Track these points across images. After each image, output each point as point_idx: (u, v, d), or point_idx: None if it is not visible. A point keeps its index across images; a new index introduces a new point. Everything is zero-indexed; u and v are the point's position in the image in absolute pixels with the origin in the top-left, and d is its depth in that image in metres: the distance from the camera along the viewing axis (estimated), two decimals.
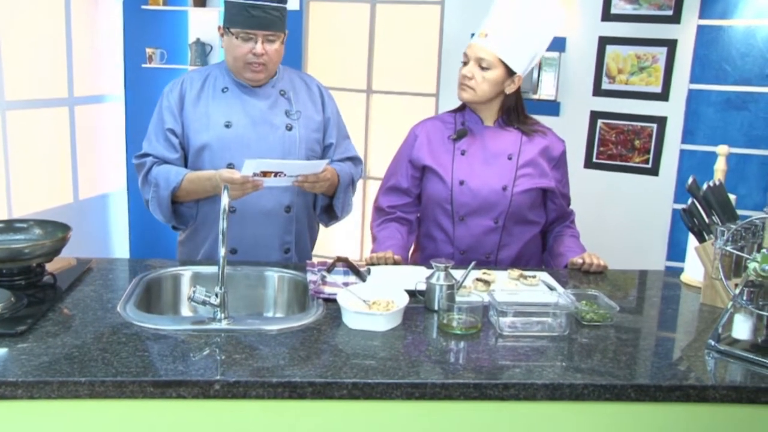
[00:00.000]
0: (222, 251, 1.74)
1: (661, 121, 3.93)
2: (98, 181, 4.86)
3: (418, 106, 4.45)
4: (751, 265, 1.61)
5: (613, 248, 3.97)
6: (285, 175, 2.12)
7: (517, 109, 2.40)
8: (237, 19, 2.22)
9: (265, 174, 2.08)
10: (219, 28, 2.32)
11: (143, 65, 4.81)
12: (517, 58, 2.28)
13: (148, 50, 4.79)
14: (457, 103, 2.44)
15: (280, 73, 2.40)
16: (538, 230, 2.45)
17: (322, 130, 2.44)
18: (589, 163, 4.11)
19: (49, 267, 2.04)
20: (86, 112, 4.70)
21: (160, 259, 2.24)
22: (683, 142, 3.92)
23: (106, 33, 4.82)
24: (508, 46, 2.26)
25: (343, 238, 4.82)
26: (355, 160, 2.52)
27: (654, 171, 4.00)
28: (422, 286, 1.93)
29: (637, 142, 4.00)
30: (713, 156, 2.24)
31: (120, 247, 5.15)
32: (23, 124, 4.16)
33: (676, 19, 3.82)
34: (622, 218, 4.06)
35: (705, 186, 2.01)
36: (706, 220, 2.04)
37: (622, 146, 4.03)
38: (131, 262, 2.26)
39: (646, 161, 4.00)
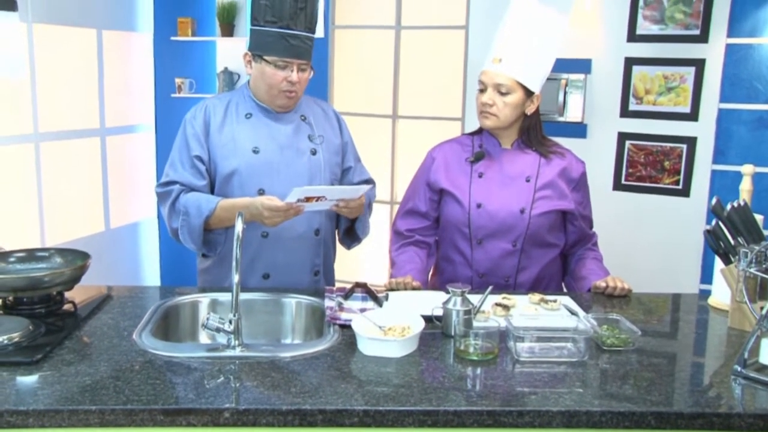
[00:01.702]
0: (236, 278, 1.74)
1: (691, 142, 3.86)
2: (129, 209, 4.93)
3: (444, 130, 4.44)
4: None
5: (645, 272, 3.90)
6: (326, 199, 2.14)
7: (536, 128, 2.37)
8: (275, 48, 2.23)
9: (307, 199, 2.09)
10: (246, 55, 2.32)
11: (173, 95, 4.89)
12: (533, 77, 2.27)
13: (177, 80, 4.87)
14: None
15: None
16: (557, 253, 2.41)
17: (341, 153, 2.45)
18: (618, 185, 4.05)
19: (79, 296, 2.07)
20: (118, 142, 4.78)
21: (180, 287, 2.25)
22: (714, 162, 3.84)
23: (137, 64, 4.92)
24: (523, 67, 2.25)
25: (372, 262, 4.80)
26: (369, 182, 2.54)
27: (685, 192, 3.92)
28: (439, 312, 1.90)
29: (666, 163, 3.93)
30: None
31: (151, 275, 5.20)
32: (56, 154, 4.24)
33: (703, 38, 3.76)
34: (653, 241, 3.98)
35: (729, 206, 1.96)
36: (732, 241, 1.98)
37: (651, 167, 3.96)
38: (151, 289, 2.26)
39: (677, 182, 3.92)
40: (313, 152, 2.35)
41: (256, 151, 2.29)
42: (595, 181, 3.94)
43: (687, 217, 3.90)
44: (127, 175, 4.88)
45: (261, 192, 2.26)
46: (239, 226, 1.78)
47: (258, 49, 2.27)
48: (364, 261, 4.70)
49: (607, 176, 4.05)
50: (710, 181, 3.86)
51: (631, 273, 3.79)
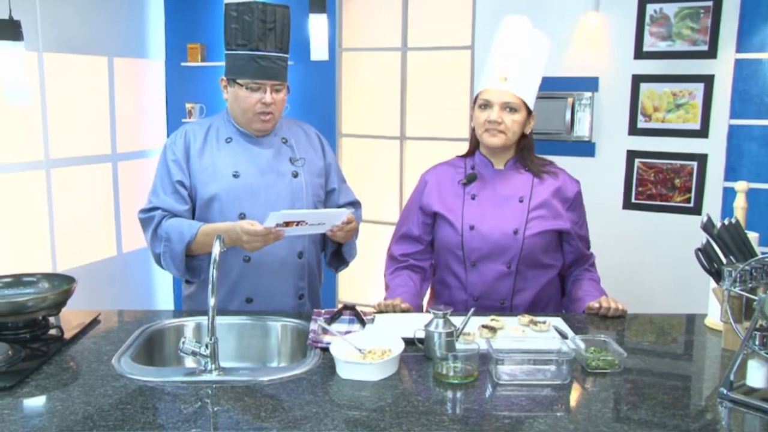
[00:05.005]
0: (212, 301, 1.73)
1: (702, 159, 3.79)
2: (141, 233, 4.95)
3: (451, 150, 4.39)
4: (757, 307, 1.50)
5: (657, 292, 3.82)
6: (306, 223, 2.11)
7: (530, 148, 2.36)
8: (246, 70, 2.25)
9: (287, 224, 2.07)
10: (222, 80, 2.35)
11: (183, 120, 4.94)
12: (533, 97, 2.29)
13: (188, 105, 4.92)
14: None
15: (279, 122, 2.41)
16: (554, 274, 2.36)
17: (324, 175, 2.44)
18: (628, 204, 3.98)
19: (72, 321, 2.07)
20: (130, 167, 4.83)
21: (167, 310, 2.25)
22: (726, 179, 3.76)
23: (149, 90, 4.98)
24: (527, 87, 2.26)
25: (378, 284, 4.77)
26: (355, 204, 2.52)
27: (696, 210, 3.84)
28: (421, 334, 1.87)
29: (677, 181, 3.86)
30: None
31: (164, 299, 5.22)
32: (68, 180, 4.30)
33: (711, 54, 3.71)
34: (664, 260, 3.90)
35: (719, 224, 1.91)
36: (723, 260, 1.93)
37: (661, 185, 3.90)
38: (138, 313, 2.26)
39: (688, 200, 3.85)
40: (295, 175, 2.34)
41: (236, 176, 2.29)
42: (604, 200, 3.91)
43: (699, 235, 3.79)
44: (139, 199, 4.90)
45: (242, 216, 2.25)
46: (216, 250, 1.77)
47: (231, 73, 2.28)
48: (370, 283, 4.66)
49: (617, 195, 3.99)
50: (722, 198, 3.77)
51: (643, 293, 3.70)
